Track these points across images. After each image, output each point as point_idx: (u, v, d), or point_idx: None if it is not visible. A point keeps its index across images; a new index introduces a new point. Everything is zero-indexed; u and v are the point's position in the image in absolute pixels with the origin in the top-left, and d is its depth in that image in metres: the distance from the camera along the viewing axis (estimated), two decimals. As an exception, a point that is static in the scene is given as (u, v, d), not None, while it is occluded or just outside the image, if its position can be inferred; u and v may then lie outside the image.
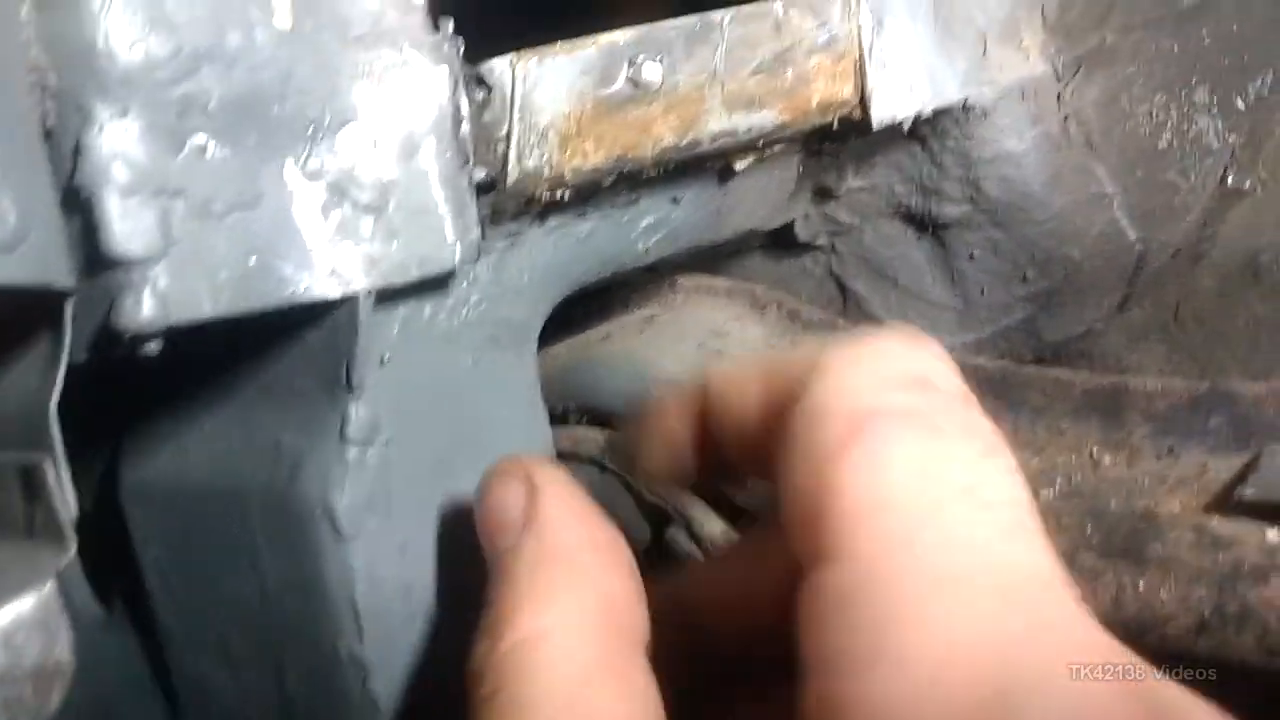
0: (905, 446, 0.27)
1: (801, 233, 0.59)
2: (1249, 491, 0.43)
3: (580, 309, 0.59)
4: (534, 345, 0.48)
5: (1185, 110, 0.52)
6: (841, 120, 0.48)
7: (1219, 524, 0.43)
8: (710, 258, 0.62)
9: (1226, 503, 0.44)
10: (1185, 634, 0.40)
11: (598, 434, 0.57)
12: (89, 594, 0.56)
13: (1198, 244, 0.52)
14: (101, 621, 0.56)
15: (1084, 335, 0.56)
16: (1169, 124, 0.52)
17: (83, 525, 0.55)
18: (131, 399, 0.46)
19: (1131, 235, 0.53)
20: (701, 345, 0.61)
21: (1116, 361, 0.56)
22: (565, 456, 0.58)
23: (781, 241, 0.61)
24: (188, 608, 0.47)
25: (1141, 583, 0.42)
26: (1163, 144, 0.52)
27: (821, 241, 0.60)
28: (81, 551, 0.57)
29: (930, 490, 0.26)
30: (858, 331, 0.31)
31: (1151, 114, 0.52)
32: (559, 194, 0.43)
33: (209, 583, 0.45)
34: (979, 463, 0.27)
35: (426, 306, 0.42)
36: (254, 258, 0.34)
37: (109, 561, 0.53)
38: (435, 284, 0.40)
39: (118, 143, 0.31)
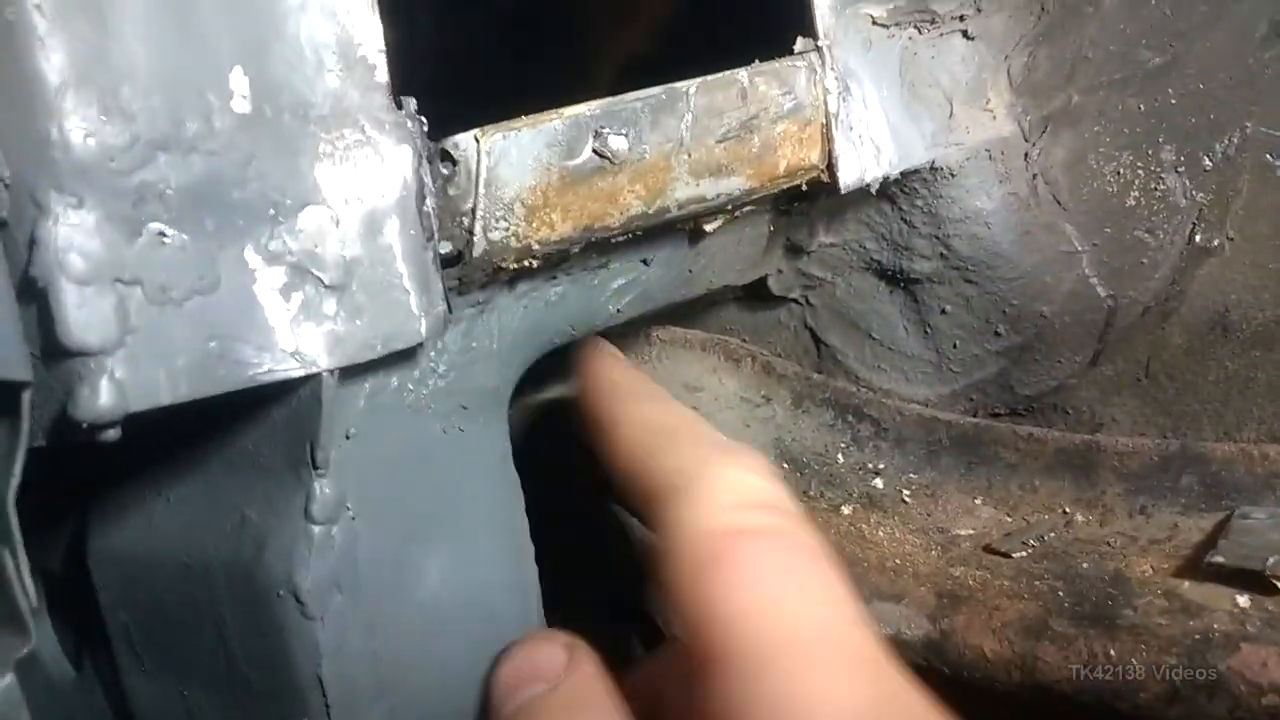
0: (768, 562, 0.32)
1: (775, 287, 0.60)
2: (1219, 557, 0.43)
3: (557, 361, 0.59)
4: (505, 410, 0.47)
5: (1152, 169, 0.52)
6: (810, 183, 0.49)
7: (1190, 589, 0.43)
8: (686, 310, 0.63)
9: (1197, 567, 0.44)
10: (1157, 702, 0.40)
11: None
12: (59, 653, 0.56)
13: (1167, 301, 0.53)
14: (72, 681, 0.56)
15: (1056, 389, 0.56)
16: (1136, 182, 0.52)
17: (52, 586, 0.55)
18: (100, 464, 0.46)
19: (1101, 292, 0.53)
20: (677, 399, 0.61)
21: (1089, 415, 0.56)
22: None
23: (756, 294, 0.61)
24: (155, 673, 0.47)
25: (1113, 650, 0.42)
26: (1130, 202, 0.53)
27: (795, 295, 0.60)
28: (52, 611, 0.57)
29: (798, 616, 0.31)
30: (714, 454, 0.37)
31: (1119, 173, 0.53)
32: (527, 263, 0.43)
33: (176, 651, 0.45)
34: (825, 593, 0.33)
35: (393, 378, 0.42)
36: (214, 342, 0.34)
37: (79, 621, 0.53)
38: (402, 356, 0.40)
39: (73, 233, 0.31)
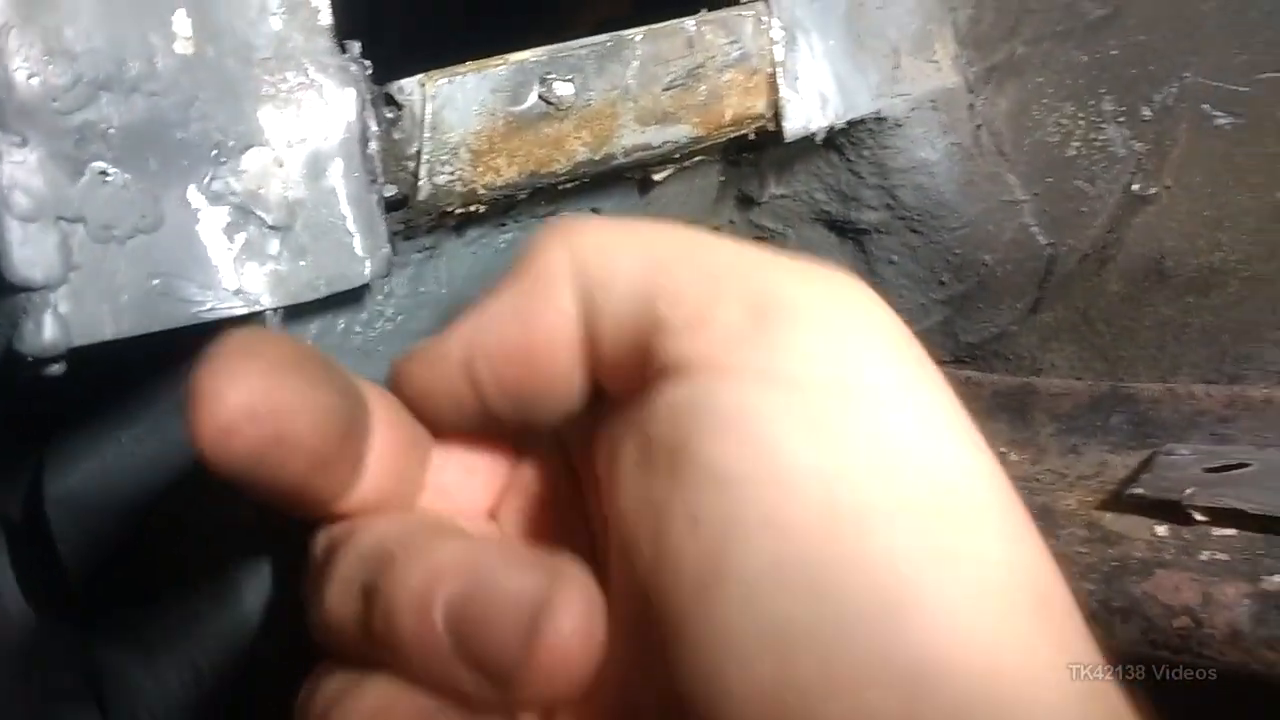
0: None
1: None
2: (1139, 489, 0.45)
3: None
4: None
5: (1093, 119, 0.53)
6: (757, 132, 0.49)
7: (1111, 520, 0.45)
8: (641, 261, 0.64)
9: (1119, 499, 0.46)
10: (1077, 627, 0.42)
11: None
12: (20, 598, 0.57)
13: (1105, 248, 0.54)
14: (34, 625, 0.57)
15: (999, 336, 0.57)
16: (1077, 133, 0.54)
17: (12, 533, 0.56)
18: (53, 408, 0.47)
19: (1042, 240, 0.55)
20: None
21: (1030, 361, 0.57)
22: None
23: (710, 245, 0.62)
24: (114, 614, 0.48)
25: (1037, 579, 0.43)
26: (1071, 152, 0.54)
27: (748, 246, 0.61)
28: (13, 557, 0.58)
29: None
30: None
31: (1060, 123, 0.54)
32: (474, 208, 0.44)
33: (134, 591, 0.46)
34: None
35: (340, 321, 0.42)
36: (157, 280, 0.35)
37: (39, 567, 0.54)
38: (348, 298, 0.40)
39: (16, 171, 0.32)
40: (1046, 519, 0.45)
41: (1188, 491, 0.42)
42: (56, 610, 0.54)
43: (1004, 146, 0.54)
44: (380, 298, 0.44)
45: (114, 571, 0.46)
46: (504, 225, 0.48)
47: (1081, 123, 0.54)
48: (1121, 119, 0.53)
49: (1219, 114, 0.52)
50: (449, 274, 0.46)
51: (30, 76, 0.32)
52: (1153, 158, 0.53)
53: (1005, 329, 0.57)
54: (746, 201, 0.59)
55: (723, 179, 0.56)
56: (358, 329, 0.43)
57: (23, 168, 0.32)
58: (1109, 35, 0.53)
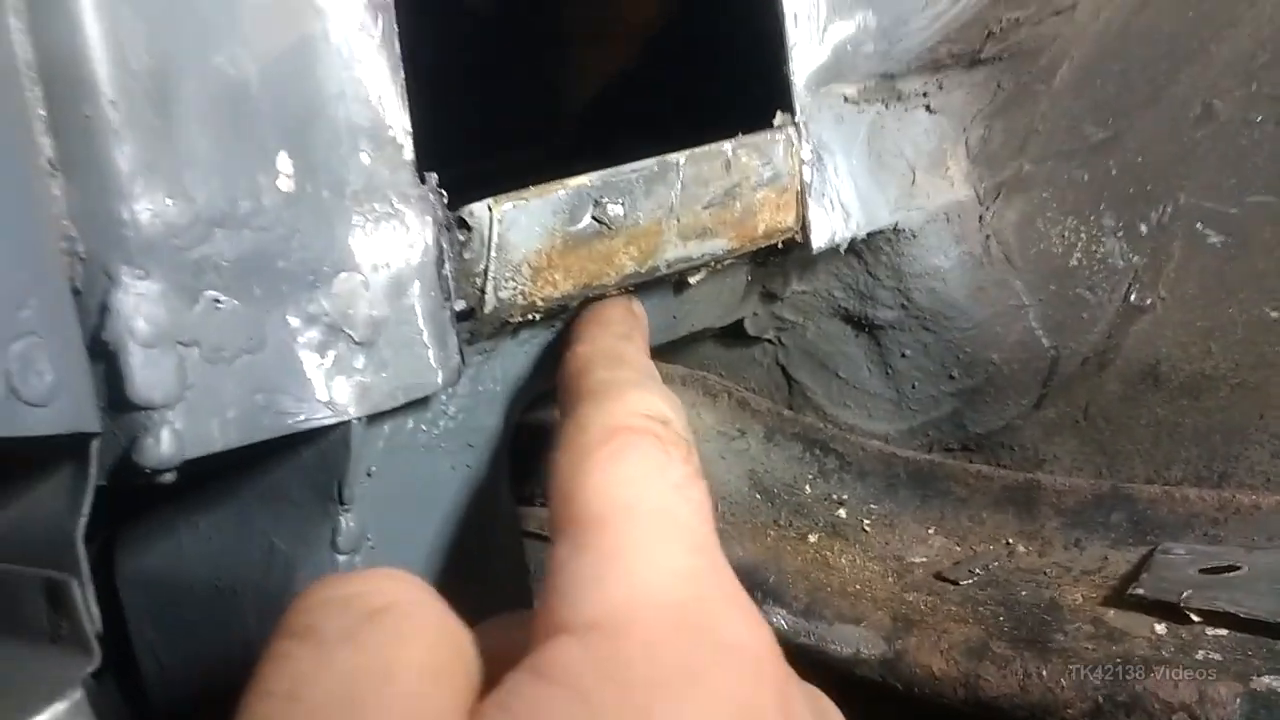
0: (637, 451, 0.35)
1: (751, 328, 0.65)
2: (1140, 589, 0.49)
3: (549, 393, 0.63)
4: (506, 446, 0.52)
5: (1094, 233, 0.58)
6: (785, 243, 0.54)
7: (1114, 617, 0.49)
8: (668, 348, 0.67)
9: (1122, 597, 0.50)
10: (1082, 718, 0.46)
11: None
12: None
13: (1104, 353, 0.58)
14: (91, 689, 0.59)
15: (1004, 429, 0.61)
16: (1079, 245, 0.58)
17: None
18: (128, 492, 0.50)
19: (1045, 343, 0.59)
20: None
21: (1033, 453, 0.61)
22: (531, 536, 0.62)
23: (734, 334, 0.66)
24: (180, 689, 0.50)
25: (1045, 670, 0.47)
26: (1073, 263, 0.58)
27: (769, 336, 0.65)
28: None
29: (649, 492, 0.34)
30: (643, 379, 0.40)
31: (1064, 235, 0.58)
32: (531, 316, 0.47)
33: (202, 669, 0.49)
34: (679, 488, 0.35)
35: (409, 421, 0.46)
36: (260, 395, 0.38)
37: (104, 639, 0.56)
38: (418, 402, 0.44)
39: (139, 302, 0.35)
40: (1054, 613, 0.49)
41: (1185, 594, 0.46)
42: (118, 683, 0.57)
43: (1011, 256, 0.58)
44: (444, 398, 0.47)
45: (183, 649, 0.49)
46: (554, 325, 0.52)
47: (1083, 236, 0.58)
48: (1120, 234, 0.58)
49: (1211, 232, 0.56)
50: (504, 372, 0.50)
51: (154, 217, 0.36)
52: (1149, 271, 0.57)
53: (1010, 422, 0.61)
54: (770, 297, 0.63)
55: (749, 278, 0.60)
56: (424, 428, 0.46)
57: (145, 299, 0.36)
58: (1109, 156, 0.58)
